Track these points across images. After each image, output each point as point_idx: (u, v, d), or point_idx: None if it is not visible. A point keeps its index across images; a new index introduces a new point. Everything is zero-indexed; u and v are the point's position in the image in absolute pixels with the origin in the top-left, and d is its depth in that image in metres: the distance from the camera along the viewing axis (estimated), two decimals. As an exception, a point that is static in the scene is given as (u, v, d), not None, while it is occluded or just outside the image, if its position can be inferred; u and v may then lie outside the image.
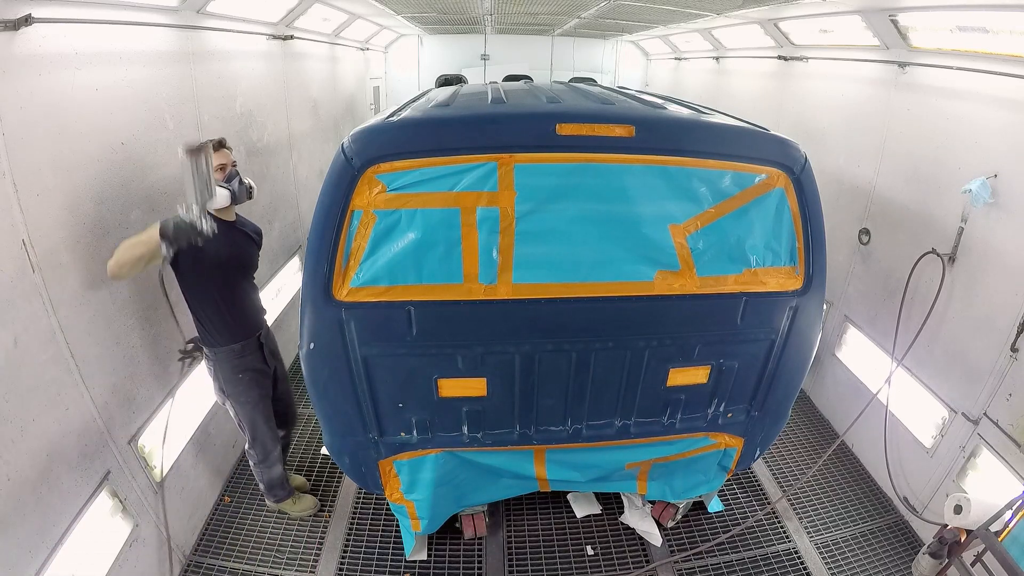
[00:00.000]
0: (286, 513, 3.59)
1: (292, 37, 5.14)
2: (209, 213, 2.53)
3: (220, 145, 2.81)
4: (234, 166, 2.86)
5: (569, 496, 3.76)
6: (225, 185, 2.76)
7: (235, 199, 2.80)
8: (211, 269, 2.78)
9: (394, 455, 2.92)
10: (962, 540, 2.44)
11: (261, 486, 3.49)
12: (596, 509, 3.70)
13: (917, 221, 3.69)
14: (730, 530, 3.58)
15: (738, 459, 3.23)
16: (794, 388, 2.97)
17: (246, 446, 3.29)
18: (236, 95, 4.12)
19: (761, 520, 3.69)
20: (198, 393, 3.49)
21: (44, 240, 2.32)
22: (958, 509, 2.40)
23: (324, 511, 3.66)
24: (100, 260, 2.67)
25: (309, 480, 3.88)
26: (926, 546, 2.58)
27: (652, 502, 3.59)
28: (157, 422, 3.04)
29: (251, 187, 2.89)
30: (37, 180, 2.29)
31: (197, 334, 2.97)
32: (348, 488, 3.84)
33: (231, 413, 3.18)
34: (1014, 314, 2.95)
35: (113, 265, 2.45)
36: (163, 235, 2.42)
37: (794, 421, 4.63)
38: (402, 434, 2.83)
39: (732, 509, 3.79)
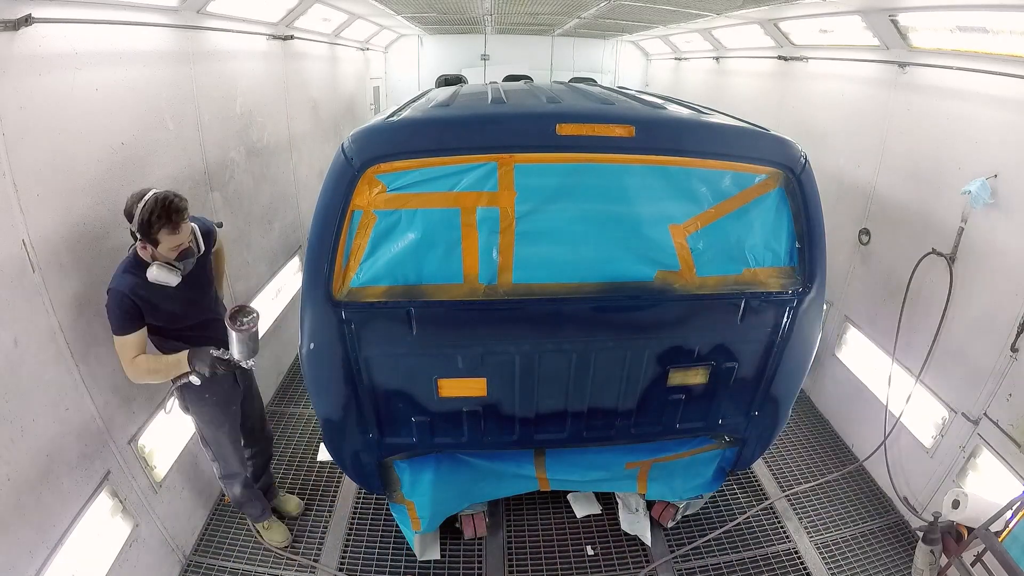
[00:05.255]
0: (259, 538, 3.40)
1: (292, 37, 5.14)
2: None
3: (179, 220, 2.35)
4: (192, 241, 2.53)
5: (569, 496, 3.76)
6: (176, 265, 2.44)
7: (182, 276, 2.49)
8: (169, 314, 2.55)
9: (394, 455, 2.92)
10: (964, 537, 2.44)
11: (232, 504, 3.38)
12: (596, 509, 3.70)
13: (917, 221, 3.69)
14: (730, 530, 3.58)
15: (738, 459, 3.23)
16: (794, 388, 2.97)
17: (208, 458, 3.09)
18: (236, 95, 4.12)
19: (760, 517, 3.69)
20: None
21: (44, 240, 2.32)
22: (956, 504, 2.40)
23: (297, 548, 3.40)
24: (100, 260, 2.67)
25: (306, 488, 3.82)
26: (923, 535, 2.56)
27: (651, 503, 3.59)
28: (157, 422, 3.04)
29: (198, 249, 2.58)
30: (37, 180, 2.29)
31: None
32: (348, 488, 3.84)
33: (194, 426, 3.01)
34: (1014, 314, 2.95)
35: (133, 377, 2.49)
36: (193, 367, 2.49)
37: (794, 421, 4.63)
38: (402, 435, 2.83)
39: (732, 509, 3.78)
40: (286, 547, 3.39)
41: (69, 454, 2.43)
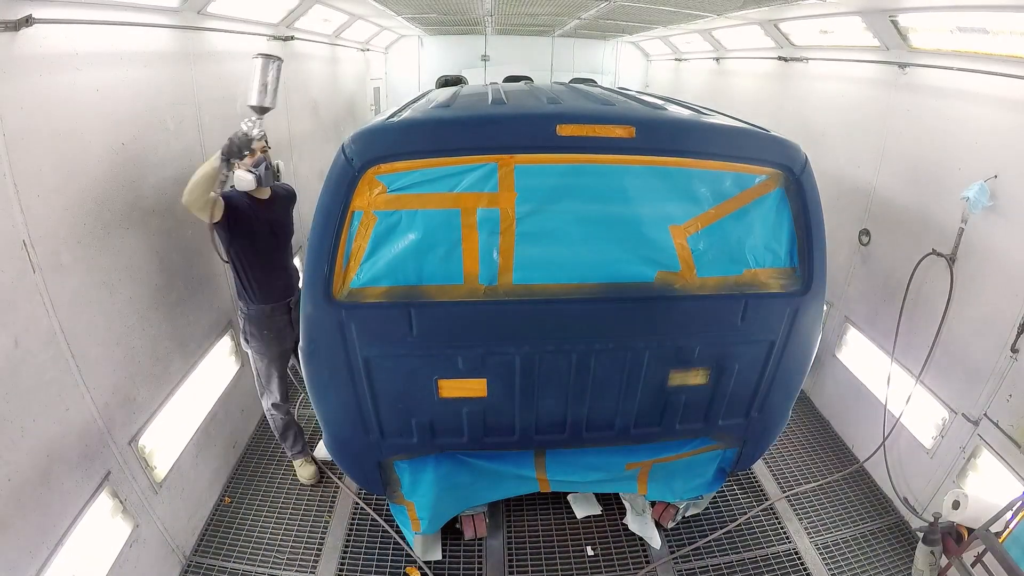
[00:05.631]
0: (295, 477, 3.90)
1: (292, 38, 5.14)
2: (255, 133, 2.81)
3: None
4: (264, 152, 3.07)
5: (569, 497, 3.75)
6: (252, 170, 2.97)
7: (260, 182, 3.02)
8: (251, 239, 3.11)
9: (394, 456, 2.92)
10: (965, 538, 2.44)
11: (276, 435, 3.83)
12: (596, 510, 3.70)
13: (917, 222, 3.69)
14: (731, 531, 3.57)
15: (738, 460, 3.23)
16: (794, 389, 2.97)
17: (258, 391, 3.64)
18: (236, 96, 4.11)
19: (760, 518, 3.69)
20: (199, 393, 3.50)
21: (44, 240, 2.32)
22: (956, 505, 2.40)
23: (323, 482, 3.88)
24: (101, 260, 2.67)
25: (307, 488, 3.86)
26: (923, 536, 2.56)
27: (653, 503, 3.58)
28: (157, 422, 3.04)
29: (277, 170, 3.25)
30: (37, 181, 2.29)
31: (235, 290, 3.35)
32: (348, 488, 3.84)
33: (250, 359, 3.54)
34: (1014, 315, 2.95)
35: (186, 192, 2.79)
36: (223, 153, 2.76)
37: (794, 421, 4.62)
38: (402, 435, 2.83)
39: (732, 510, 3.78)
40: (316, 483, 3.84)
41: (69, 454, 2.43)
